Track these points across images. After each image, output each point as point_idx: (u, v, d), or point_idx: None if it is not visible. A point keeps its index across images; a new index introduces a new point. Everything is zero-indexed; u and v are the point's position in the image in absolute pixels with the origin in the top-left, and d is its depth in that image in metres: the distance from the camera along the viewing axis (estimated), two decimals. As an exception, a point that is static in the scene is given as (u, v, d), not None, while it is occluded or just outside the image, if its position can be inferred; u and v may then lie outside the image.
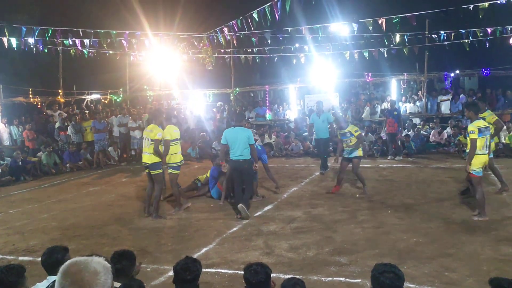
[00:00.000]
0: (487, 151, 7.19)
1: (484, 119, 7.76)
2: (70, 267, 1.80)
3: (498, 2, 9.53)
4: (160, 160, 8.05)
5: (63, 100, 17.92)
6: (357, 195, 9.16)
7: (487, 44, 14.69)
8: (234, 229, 7.27)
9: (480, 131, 7.01)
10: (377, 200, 8.69)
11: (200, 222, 7.79)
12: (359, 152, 9.20)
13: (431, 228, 6.77)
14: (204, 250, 6.35)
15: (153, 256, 6.23)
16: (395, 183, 10.37)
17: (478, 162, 7.03)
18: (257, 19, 10.06)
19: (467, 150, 7.43)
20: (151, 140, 7.93)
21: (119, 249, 4.21)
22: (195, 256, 6.06)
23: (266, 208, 8.46)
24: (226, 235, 6.98)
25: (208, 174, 9.89)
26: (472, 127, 7.06)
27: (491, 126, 7.93)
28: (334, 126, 11.14)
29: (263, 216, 8.00)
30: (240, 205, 7.70)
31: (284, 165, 13.64)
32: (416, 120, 16.88)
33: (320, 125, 11.84)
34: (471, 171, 7.08)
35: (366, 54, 15.62)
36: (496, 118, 8.91)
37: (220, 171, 9.36)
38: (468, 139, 7.28)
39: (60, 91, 18.05)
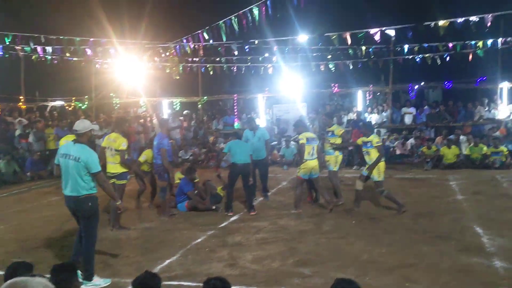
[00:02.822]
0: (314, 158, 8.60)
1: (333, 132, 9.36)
2: (9, 287, 1.74)
3: (458, 21, 9.90)
4: (128, 170, 7.91)
5: (24, 106, 17.40)
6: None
7: (448, 58, 15.18)
8: (199, 240, 7.19)
9: (307, 140, 8.53)
10: (342, 211, 8.78)
11: (164, 233, 7.67)
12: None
13: (394, 239, 6.87)
14: (167, 262, 6.24)
15: (115, 268, 6.07)
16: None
17: (306, 167, 8.53)
18: (224, 30, 10.05)
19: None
20: (116, 150, 7.71)
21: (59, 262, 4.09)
22: (158, 268, 5.99)
23: (232, 219, 8.42)
24: (190, 246, 6.89)
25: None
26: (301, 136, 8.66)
27: (338, 138, 9.37)
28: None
29: (228, 227, 7.95)
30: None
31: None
32: (382, 131, 17.20)
33: (256, 144, 9.82)
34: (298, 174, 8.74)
35: (331, 66, 15.86)
36: (344, 130, 10.02)
37: (191, 185, 9.24)
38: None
39: (21, 97, 17.54)
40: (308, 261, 6.07)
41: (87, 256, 5.50)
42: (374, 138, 8.59)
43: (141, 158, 9.77)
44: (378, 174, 8.47)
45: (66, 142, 7.58)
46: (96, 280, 5.45)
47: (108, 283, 5.49)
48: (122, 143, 7.69)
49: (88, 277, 5.40)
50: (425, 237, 6.92)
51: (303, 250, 6.50)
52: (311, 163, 8.56)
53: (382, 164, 8.47)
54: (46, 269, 6.06)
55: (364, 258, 6.09)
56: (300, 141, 8.65)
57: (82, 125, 5.57)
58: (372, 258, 6.06)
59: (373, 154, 8.46)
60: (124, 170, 7.81)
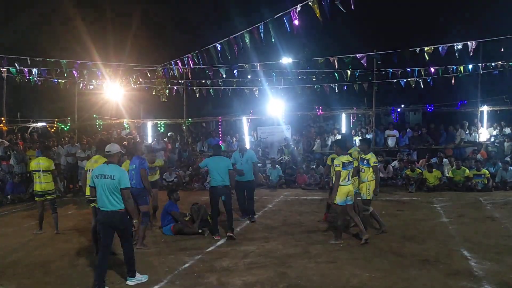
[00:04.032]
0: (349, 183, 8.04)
1: (350, 154, 8.52)
2: None
3: (440, 48, 10.17)
4: None
5: (6, 128, 17.11)
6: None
7: (431, 83, 15.52)
8: (186, 265, 7.07)
9: (344, 165, 7.90)
10: (330, 234, 8.74)
11: (151, 258, 7.52)
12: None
13: (383, 263, 6.86)
14: (155, 288, 6.13)
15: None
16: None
17: (342, 193, 7.91)
18: (214, 53, 10.10)
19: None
20: None
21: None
22: (145, 295, 5.86)
23: (219, 243, 8.32)
24: (178, 271, 6.77)
25: None
26: (337, 161, 7.96)
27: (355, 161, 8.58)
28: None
29: (215, 251, 7.84)
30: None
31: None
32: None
33: (244, 166, 10.23)
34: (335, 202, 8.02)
35: (317, 88, 16.05)
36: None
37: (176, 207, 9.16)
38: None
39: (3, 118, 17.26)
40: (298, 286, 6.01)
41: (130, 257, 6.39)
42: (371, 157, 8.50)
43: None
44: (368, 192, 8.48)
45: (36, 163, 9.43)
46: (138, 276, 6.39)
47: (147, 279, 6.38)
48: None
49: (133, 274, 6.36)
50: (413, 260, 6.93)
51: (292, 275, 6.44)
52: (346, 188, 7.97)
53: (373, 183, 8.48)
54: (29, 297, 5.93)
55: (354, 283, 6.06)
56: (336, 168, 7.93)
57: (113, 148, 6.45)
58: (362, 283, 6.03)
59: (367, 173, 8.43)
60: None
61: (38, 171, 9.42)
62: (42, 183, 9.42)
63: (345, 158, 8.01)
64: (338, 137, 16.28)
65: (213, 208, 8.81)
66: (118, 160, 6.48)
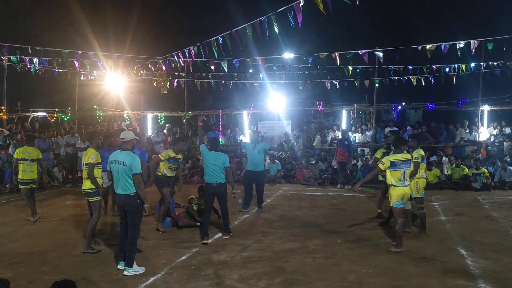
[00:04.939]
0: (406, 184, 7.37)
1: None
2: None
3: (442, 46, 10.12)
4: (95, 187, 7.43)
5: (6, 117, 17.06)
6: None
7: (433, 81, 15.49)
8: (184, 257, 7.08)
9: (394, 164, 7.26)
10: (328, 230, 8.76)
11: (148, 249, 7.53)
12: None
13: (380, 259, 6.87)
14: (151, 279, 6.12)
15: (97, 286, 5.94)
16: (345, 212, 10.54)
17: (396, 194, 7.29)
18: (215, 47, 10.05)
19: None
20: (85, 164, 7.46)
21: (60, 279, 4.03)
22: (142, 286, 5.89)
23: (217, 236, 8.32)
24: (175, 264, 6.78)
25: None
26: (385, 159, 7.43)
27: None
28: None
29: (213, 244, 7.85)
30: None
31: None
32: (365, 150, 17.34)
33: (256, 157, 10.60)
34: (391, 204, 7.39)
35: (318, 83, 16.02)
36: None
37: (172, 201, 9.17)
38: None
39: (3, 107, 17.21)
40: (295, 281, 6.01)
41: (131, 245, 6.44)
42: (415, 153, 8.03)
43: None
44: (417, 190, 8.10)
45: (23, 152, 9.56)
46: (136, 267, 6.38)
47: (144, 271, 6.37)
48: (91, 156, 7.44)
49: (130, 264, 6.35)
50: (411, 258, 6.93)
51: (289, 270, 6.45)
52: (401, 189, 7.27)
53: (421, 181, 8.15)
54: (25, 285, 5.94)
55: (351, 278, 6.07)
56: (379, 165, 7.39)
57: (127, 135, 6.67)
58: (359, 279, 6.04)
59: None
60: (93, 186, 7.41)
61: (27, 160, 9.60)
62: (29, 172, 9.63)
63: (399, 156, 7.32)
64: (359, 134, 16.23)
65: (205, 208, 8.32)
66: (132, 146, 6.73)
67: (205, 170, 8.23)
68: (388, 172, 7.30)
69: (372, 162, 11.30)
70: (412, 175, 7.72)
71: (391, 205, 7.43)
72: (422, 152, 8.17)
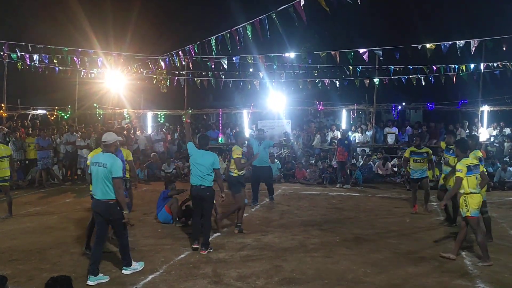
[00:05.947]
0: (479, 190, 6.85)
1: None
2: None
3: (442, 46, 10.11)
4: None
5: (5, 114, 17.05)
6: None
7: (433, 81, 15.48)
8: (182, 256, 7.08)
9: (469, 169, 6.68)
10: (327, 229, 8.76)
11: (146, 248, 7.53)
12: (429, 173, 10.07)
13: (379, 259, 6.87)
14: (150, 277, 6.13)
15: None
16: (344, 211, 10.55)
17: (475, 202, 6.70)
18: (215, 45, 10.04)
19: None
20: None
21: (55, 275, 4.03)
22: (141, 284, 5.88)
23: (216, 235, 8.32)
24: (173, 262, 6.78)
25: None
26: (460, 165, 6.72)
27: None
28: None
29: (212, 242, 7.80)
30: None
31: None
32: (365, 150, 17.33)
33: (262, 153, 10.80)
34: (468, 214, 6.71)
35: (318, 82, 16.01)
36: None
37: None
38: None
39: (3, 105, 17.20)
40: (293, 279, 6.02)
41: (124, 250, 6.36)
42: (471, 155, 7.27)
43: None
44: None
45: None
46: (134, 264, 6.40)
47: (143, 266, 6.44)
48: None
49: (128, 264, 6.36)
50: (410, 257, 6.94)
51: (287, 268, 6.45)
52: (479, 196, 6.71)
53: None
54: (24, 282, 5.94)
55: (349, 277, 6.07)
56: (457, 174, 6.68)
57: (109, 137, 6.27)
58: (357, 278, 6.05)
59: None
60: None
61: (3, 158, 9.84)
62: (3, 169, 9.85)
63: (470, 160, 6.75)
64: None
65: (194, 212, 7.72)
66: (115, 149, 6.34)
67: (191, 170, 7.46)
68: (464, 180, 6.66)
69: (402, 162, 11.61)
70: (485, 183, 7.20)
71: (467, 215, 6.66)
72: (479, 153, 7.65)
